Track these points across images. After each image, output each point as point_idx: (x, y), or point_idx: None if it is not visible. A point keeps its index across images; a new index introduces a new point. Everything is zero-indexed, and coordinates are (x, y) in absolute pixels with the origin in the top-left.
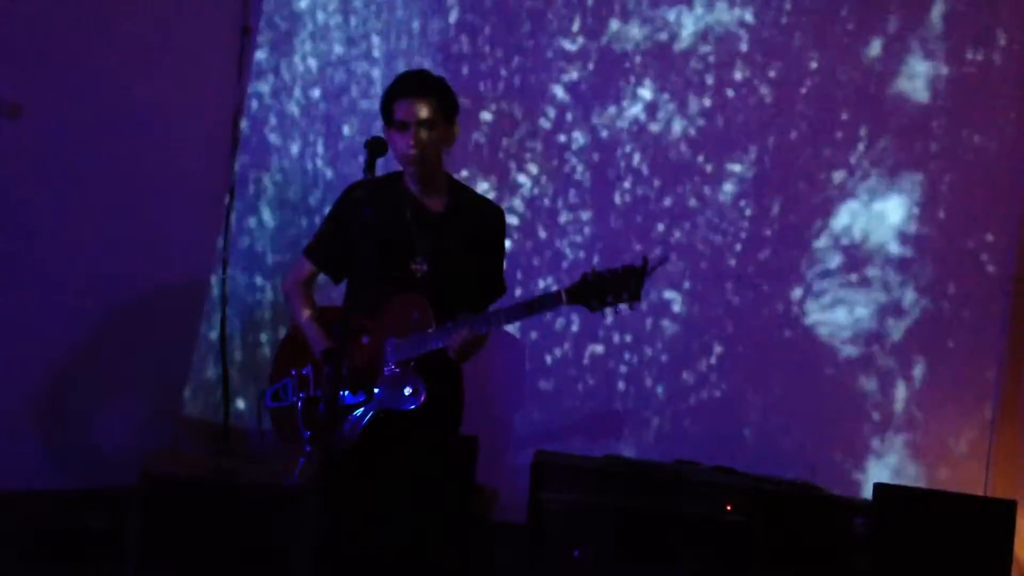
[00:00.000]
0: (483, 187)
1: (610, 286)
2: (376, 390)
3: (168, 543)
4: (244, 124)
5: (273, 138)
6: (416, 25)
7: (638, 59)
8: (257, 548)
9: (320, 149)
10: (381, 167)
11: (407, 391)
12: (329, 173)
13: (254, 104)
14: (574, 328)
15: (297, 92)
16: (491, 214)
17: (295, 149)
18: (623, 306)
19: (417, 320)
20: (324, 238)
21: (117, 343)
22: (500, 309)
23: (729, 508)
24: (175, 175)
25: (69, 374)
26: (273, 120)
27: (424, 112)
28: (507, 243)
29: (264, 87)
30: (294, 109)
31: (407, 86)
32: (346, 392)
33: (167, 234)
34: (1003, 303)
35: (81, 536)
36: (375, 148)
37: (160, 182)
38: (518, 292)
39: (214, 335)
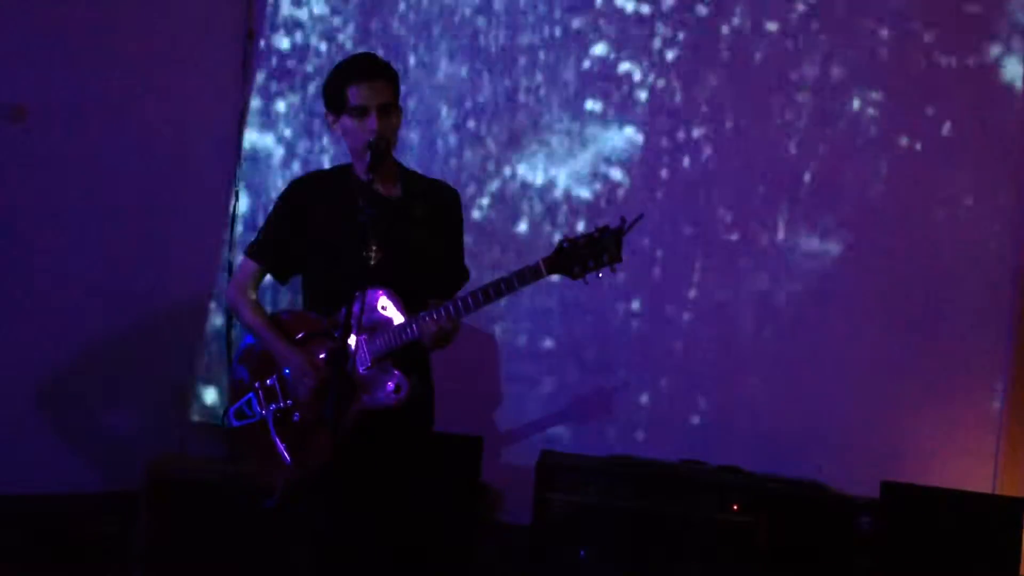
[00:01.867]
0: None
1: (589, 250)
2: (356, 393)
3: (173, 546)
4: (248, 127)
5: (277, 141)
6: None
7: None
8: (261, 550)
9: (325, 152)
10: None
11: (389, 387)
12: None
13: (259, 107)
14: (580, 325)
15: (302, 94)
16: (447, 197)
17: (300, 152)
18: (605, 269)
19: (385, 312)
20: (270, 236)
21: (124, 347)
22: (477, 289)
23: (736, 508)
24: (180, 179)
25: (76, 378)
26: (278, 123)
27: (385, 95)
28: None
29: (269, 90)
30: (299, 112)
31: (364, 70)
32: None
33: (173, 237)
34: (1010, 293)
35: (87, 539)
36: (379, 150)
37: (165, 186)
38: None
39: (220, 339)
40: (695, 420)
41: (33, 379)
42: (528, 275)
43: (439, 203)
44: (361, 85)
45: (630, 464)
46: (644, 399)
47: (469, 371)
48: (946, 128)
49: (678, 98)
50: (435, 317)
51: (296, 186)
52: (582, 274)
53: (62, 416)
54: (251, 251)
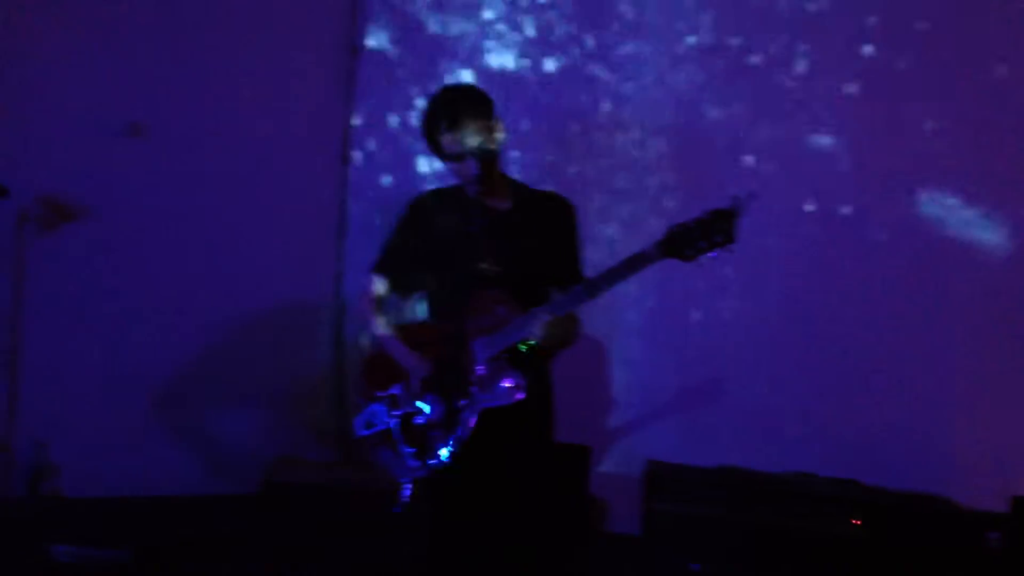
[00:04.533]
0: None
1: (701, 232)
2: (473, 392)
3: (289, 549)
4: (355, 138)
5: (383, 150)
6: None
7: None
8: (375, 553)
9: (430, 159)
10: None
11: (506, 384)
12: (441, 182)
13: (365, 119)
14: (687, 334)
15: (407, 107)
16: (559, 207)
17: (407, 159)
18: (718, 251)
19: (503, 315)
20: (392, 253)
21: (241, 353)
22: (586, 280)
23: (857, 522)
24: (291, 189)
25: (194, 383)
26: (383, 133)
27: (477, 136)
28: None
29: (374, 103)
30: (404, 123)
31: (451, 118)
32: (426, 404)
33: (287, 246)
34: None
35: (205, 541)
36: (486, 158)
37: (278, 196)
38: None
39: (334, 344)
40: (807, 430)
41: (153, 384)
42: (639, 261)
43: (550, 214)
44: (451, 134)
45: (739, 475)
46: (753, 408)
47: (575, 379)
48: None
49: None
50: (544, 313)
51: (412, 204)
52: (695, 256)
53: (181, 420)
54: (375, 267)
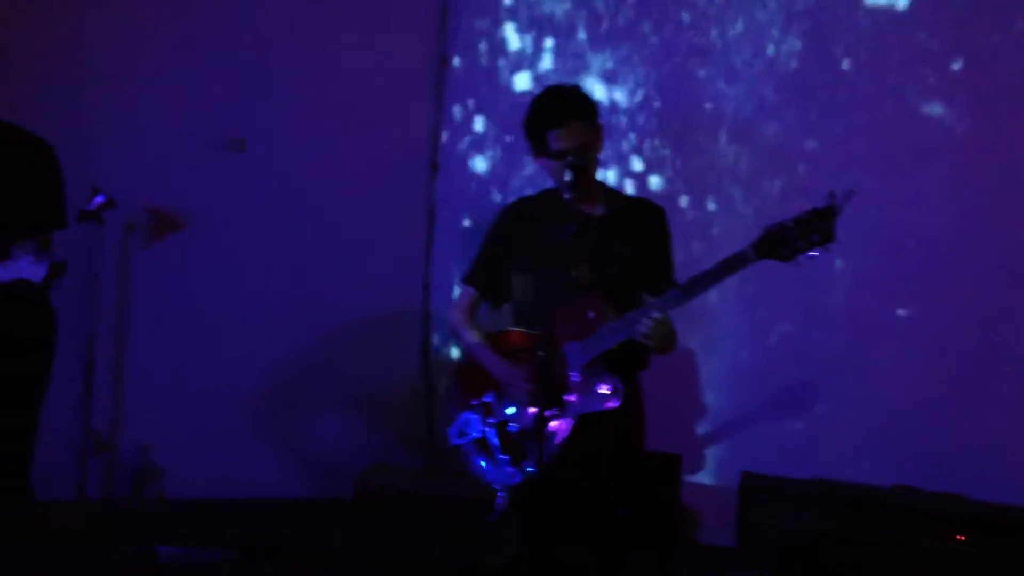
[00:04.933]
0: None
1: (799, 232)
2: (568, 398)
3: (378, 554)
4: (443, 149)
5: (471, 162)
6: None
7: None
8: (466, 560)
9: (517, 169)
10: None
11: (603, 390)
12: (529, 190)
13: (452, 130)
14: (781, 342)
15: (495, 117)
16: (651, 213)
17: (494, 171)
18: (818, 250)
19: (594, 319)
20: (482, 264)
21: (333, 360)
22: (684, 283)
23: (962, 538)
24: (381, 201)
25: (287, 390)
26: (471, 144)
27: (583, 135)
28: None
29: (462, 113)
30: (493, 133)
31: (561, 113)
32: (518, 412)
33: (376, 255)
34: None
35: (300, 543)
36: (579, 169)
37: (368, 207)
38: None
39: (423, 353)
40: (908, 442)
41: (251, 390)
42: (735, 264)
43: (643, 219)
44: (559, 130)
45: (838, 488)
46: (851, 419)
47: (667, 388)
48: None
49: None
50: (644, 315)
51: (504, 213)
52: (792, 256)
53: (277, 425)
54: (467, 278)
